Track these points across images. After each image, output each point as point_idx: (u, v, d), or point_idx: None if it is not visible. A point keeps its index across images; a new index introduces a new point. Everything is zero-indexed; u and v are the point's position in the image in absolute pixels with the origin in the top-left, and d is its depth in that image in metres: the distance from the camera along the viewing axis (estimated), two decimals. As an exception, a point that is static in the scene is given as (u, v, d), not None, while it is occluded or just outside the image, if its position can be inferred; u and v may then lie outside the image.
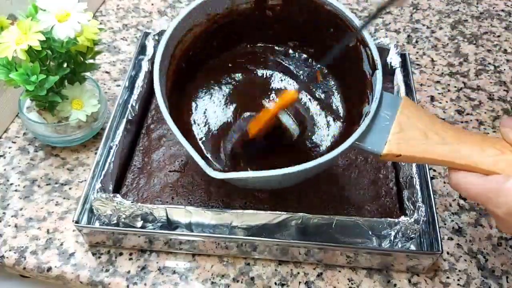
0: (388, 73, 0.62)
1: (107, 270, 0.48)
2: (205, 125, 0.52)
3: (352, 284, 0.48)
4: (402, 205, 0.50)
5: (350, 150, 0.55)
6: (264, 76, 0.55)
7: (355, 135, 0.40)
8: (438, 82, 0.69)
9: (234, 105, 0.53)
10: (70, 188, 0.55)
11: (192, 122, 0.52)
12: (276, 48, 0.56)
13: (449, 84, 0.69)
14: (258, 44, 0.56)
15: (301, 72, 0.55)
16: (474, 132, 0.41)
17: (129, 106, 0.55)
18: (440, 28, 0.79)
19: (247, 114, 0.52)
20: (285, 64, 0.56)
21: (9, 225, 0.51)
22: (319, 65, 0.54)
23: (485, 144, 0.38)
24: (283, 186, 0.48)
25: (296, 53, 0.56)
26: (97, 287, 0.48)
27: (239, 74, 0.55)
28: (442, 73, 0.71)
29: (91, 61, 0.56)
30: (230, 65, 0.55)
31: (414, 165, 0.49)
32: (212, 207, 0.50)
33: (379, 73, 0.43)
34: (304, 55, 0.55)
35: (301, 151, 0.51)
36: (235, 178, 0.40)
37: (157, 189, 0.52)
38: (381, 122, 0.40)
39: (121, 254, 0.49)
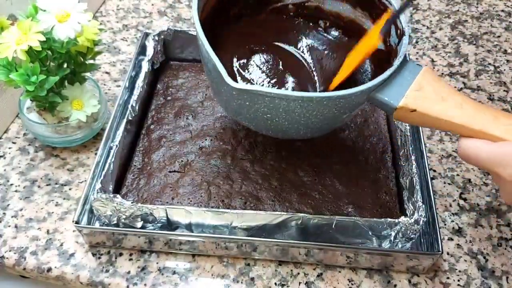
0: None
1: (107, 271, 0.48)
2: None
3: (352, 284, 0.48)
4: (402, 205, 0.50)
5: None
6: (296, 42, 0.57)
7: (378, 79, 0.41)
8: (438, 82, 0.69)
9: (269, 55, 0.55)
10: (70, 189, 0.55)
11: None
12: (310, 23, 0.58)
13: (449, 84, 0.69)
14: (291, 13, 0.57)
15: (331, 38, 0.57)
16: (491, 106, 0.42)
17: (129, 106, 0.55)
18: (440, 29, 0.79)
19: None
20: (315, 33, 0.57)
21: (9, 226, 0.51)
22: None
23: (499, 114, 0.39)
24: (298, 131, 0.47)
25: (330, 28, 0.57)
26: (97, 287, 0.48)
27: (270, 36, 0.56)
28: (442, 73, 0.71)
29: (91, 61, 0.56)
30: (260, 27, 0.56)
31: (414, 165, 0.49)
32: (212, 208, 0.50)
33: (405, 39, 0.45)
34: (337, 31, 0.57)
35: None
36: (253, 91, 0.40)
37: (157, 189, 0.52)
38: (401, 79, 0.42)
39: (121, 254, 0.49)
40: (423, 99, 0.41)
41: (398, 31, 0.48)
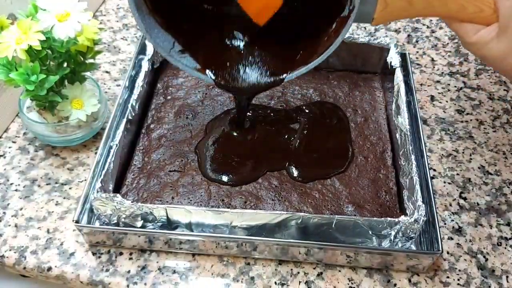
0: (388, 73, 0.62)
1: (107, 270, 0.48)
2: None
3: (352, 283, 0.48)
4: (402, 204, 0.50)
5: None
6: None
7: (347, 27, 0.45)
8: (438, 81, 0.69)
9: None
10: (70, 188, 0.55)
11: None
12: None
13: (449, 84, 0.69)
14: None
15: None
16: None
17: (129, 105, 0.55)
18: (440, 28, 0.79)
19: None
20: None
21: (9, 225, 0.51)
22: None
23: (467, 2, 0.43)
24: None
25: None
26: (97, 286, 0.48)
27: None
28: (442, 72, 0.71)
29: (91, 60, 0.56)
30: None
31: (414, 164, 0.49)
32: (212, 207, 0.50)
33: None
34: None
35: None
36: None
37: (157, 189, 0.52)
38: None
39: (121, 253, 0.49)
40: (391, 15, 0.45)
41: None
